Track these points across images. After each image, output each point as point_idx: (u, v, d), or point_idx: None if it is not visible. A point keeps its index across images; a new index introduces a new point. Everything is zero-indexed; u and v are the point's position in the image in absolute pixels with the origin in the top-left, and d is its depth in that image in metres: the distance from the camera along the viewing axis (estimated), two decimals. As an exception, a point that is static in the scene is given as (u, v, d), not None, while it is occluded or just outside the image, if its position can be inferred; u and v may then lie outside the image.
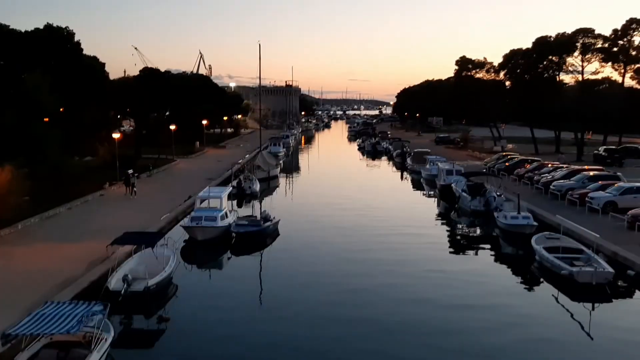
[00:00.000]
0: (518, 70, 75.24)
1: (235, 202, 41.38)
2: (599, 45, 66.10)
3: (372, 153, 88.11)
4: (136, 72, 79.86)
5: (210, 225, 30.20)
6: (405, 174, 64.22)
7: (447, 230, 36.60)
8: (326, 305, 21.72)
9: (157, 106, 70.44)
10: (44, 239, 28.46)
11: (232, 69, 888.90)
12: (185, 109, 78.82)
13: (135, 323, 20.24)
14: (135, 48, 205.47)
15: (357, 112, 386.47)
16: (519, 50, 75.85)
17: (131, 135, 70.39)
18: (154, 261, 23.49)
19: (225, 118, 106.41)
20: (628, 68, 66.83)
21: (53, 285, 21.11)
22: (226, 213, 32.36)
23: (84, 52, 49.11)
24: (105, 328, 16.74)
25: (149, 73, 75.47)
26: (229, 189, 37.80)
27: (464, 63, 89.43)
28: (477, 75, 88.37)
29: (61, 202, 36.16)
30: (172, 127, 65.23)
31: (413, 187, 55.28)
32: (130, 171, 41.72)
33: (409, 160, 67.41)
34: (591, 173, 42.00)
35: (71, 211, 35.76)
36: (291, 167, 70.60)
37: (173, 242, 27.17)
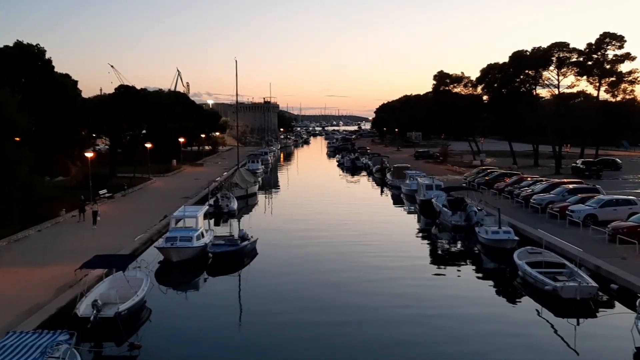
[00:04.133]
0: (495, 85, 75.86)
1: (212, 221, 40.49)
2: (574, 59, 66.83)
3: (351, 169, 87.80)
4: (112, 91, 79.09)
5: (185, 246, 29.37)
6: (385, 189, 63.87)
7: (429, 246, 36.20)
8: (307, 326, 21.08)
9: (132, 124, 69.34)
10: (10, 263, 27.33)
11: (211, 86, 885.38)
12: (162, 127, 77.82)
13: (105, 351, 19.24)
14: (112, 66, 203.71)
15: (336, 128, 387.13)
16: (496, 64, 76.58)
17: (106, 154, 69.18)
18: (126, 285, 22.60)
19: (202, 135, 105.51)
20: (603, 81, 67.52)
21: (18, 313, 20.07)
22: (202, 233, 31.59)
23: (59, 70, 48.15)
24: (71, 358, 15.79)
25: (124, 91, 74.37)
26: (205, 207, 37.00)
27: (441, 78, 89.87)
28: (455, 90, 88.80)
29: (31, 224, 35.01)
30: (148, 145, 64.24)
31: (393, 203, 54.89)
32: (103, 191, 40.49)
33: (388, 176, 67.18)
34: (570, 186, 42.01)
35: (41, 233, 34.62)
36: (270, 184, 69.85)
37: (146, 264, 26.25)
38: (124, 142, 66.31)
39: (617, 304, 22.83)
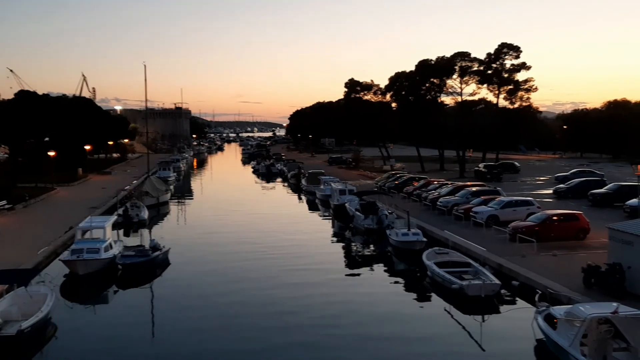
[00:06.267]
0: (403, 92, 78.51)
1: (121, 231, 39.15)
2: (475, 68, 70.62)
3: (266, 175, 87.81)
4: (12, 96, 74.79)
5: (92, 258, 28.25)
6: (300, 195, 64.31)
7: (343, 249, 36.88)
8: (221, 336, 20.90)
9: (34, 131, 65.85)
10: None
11: (120, 91, 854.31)
12: (66, 134, 74.35)
13: (6, 372, 18.22)
14: (11, 70, 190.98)
15: (250, 134, 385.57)
16: (404, 72, 79.17)
17: (6, 162, 65.24)
18: (29, 301, 21.48)
19: (110, 143, 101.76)
20: (501, 89, 71.78)
21: None
22: (111, 244, 30.48)
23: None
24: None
25: (25, 96, 70.69)
26: (113, 217, 35.71)
27: (352, 85, 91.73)
28: (366, 97, 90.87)
29: None
30: (52, 153, 61.15)
31: (308, 208, 55.36)
32: (2, 202, 38.15)
33: (303, 182, 67.71)
34: (474, 189, 44.17)
35: None
36: (182, 193, 68.40)
37: (51, 279, 24.94)
38: (26, 150, 62.85)
39: (518, 299, 24.18)
